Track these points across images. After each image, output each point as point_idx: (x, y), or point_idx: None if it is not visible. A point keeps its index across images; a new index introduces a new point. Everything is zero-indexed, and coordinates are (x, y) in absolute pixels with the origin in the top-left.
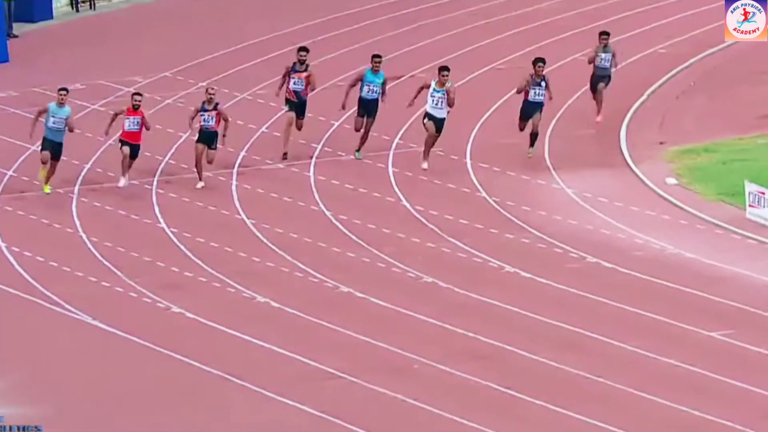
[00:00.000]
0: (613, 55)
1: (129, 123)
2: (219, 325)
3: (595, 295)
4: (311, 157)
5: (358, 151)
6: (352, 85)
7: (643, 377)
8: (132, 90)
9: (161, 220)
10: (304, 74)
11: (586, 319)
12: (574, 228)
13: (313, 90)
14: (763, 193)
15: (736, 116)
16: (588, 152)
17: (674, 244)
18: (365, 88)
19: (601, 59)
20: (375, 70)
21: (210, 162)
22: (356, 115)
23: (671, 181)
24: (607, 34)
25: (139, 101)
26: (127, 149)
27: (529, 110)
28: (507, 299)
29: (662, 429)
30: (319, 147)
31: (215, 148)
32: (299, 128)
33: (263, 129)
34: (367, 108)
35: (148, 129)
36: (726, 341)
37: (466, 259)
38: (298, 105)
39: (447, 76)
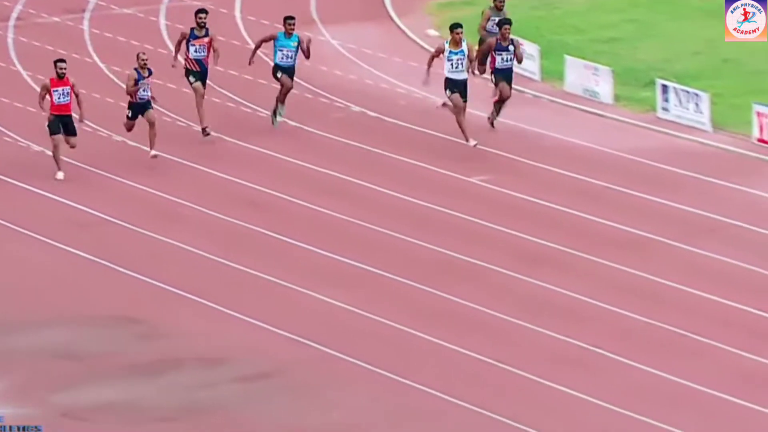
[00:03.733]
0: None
1: (58, 95)
2: None
3: (360, 143)
4: (83, 11)
5: (277, 114)
6: (263, 41)
7: (406, 221)
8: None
9: None
10: (206, 40)
11: (351, 166)
12: (339, 78)
13: (217, 56)
14: (522, 44)
15: None
16: (353, 5)
17: (436, 94)
18: (279, 54)
19: (494, 23)
20: (288, 33)
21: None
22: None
23: (432, 32)
24: None
25: (64, 68)
26: (59, 137)
27: (503, 78)
28: (274, 147)
29: (427, 270)
30: (94, 1)
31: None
32: (202, 96)
33: None
34: (286, 73)
35: (77, 96)
36: (487, 187)
37: (234, 109)
38: (202, 75)
39: (461, 33)
